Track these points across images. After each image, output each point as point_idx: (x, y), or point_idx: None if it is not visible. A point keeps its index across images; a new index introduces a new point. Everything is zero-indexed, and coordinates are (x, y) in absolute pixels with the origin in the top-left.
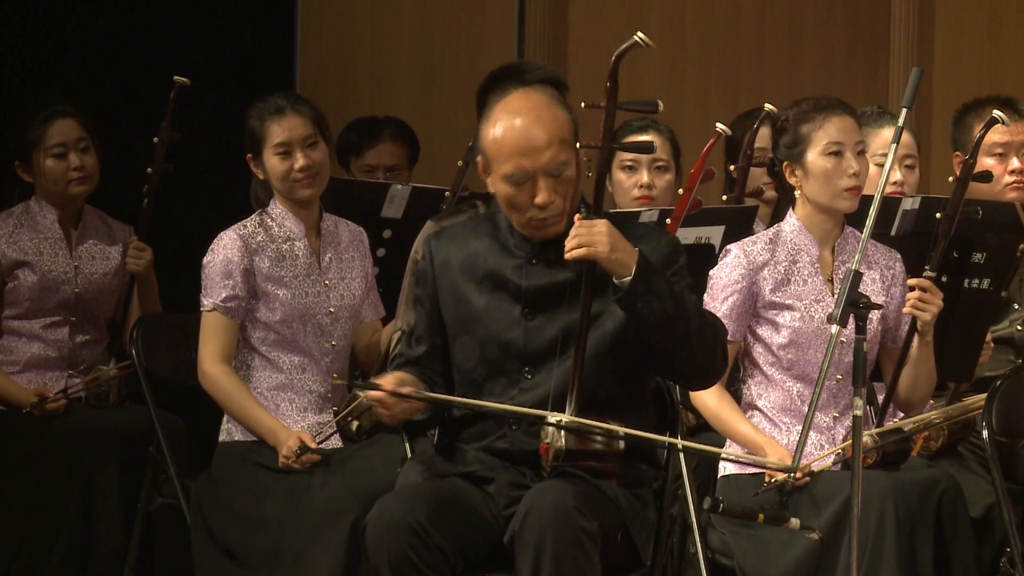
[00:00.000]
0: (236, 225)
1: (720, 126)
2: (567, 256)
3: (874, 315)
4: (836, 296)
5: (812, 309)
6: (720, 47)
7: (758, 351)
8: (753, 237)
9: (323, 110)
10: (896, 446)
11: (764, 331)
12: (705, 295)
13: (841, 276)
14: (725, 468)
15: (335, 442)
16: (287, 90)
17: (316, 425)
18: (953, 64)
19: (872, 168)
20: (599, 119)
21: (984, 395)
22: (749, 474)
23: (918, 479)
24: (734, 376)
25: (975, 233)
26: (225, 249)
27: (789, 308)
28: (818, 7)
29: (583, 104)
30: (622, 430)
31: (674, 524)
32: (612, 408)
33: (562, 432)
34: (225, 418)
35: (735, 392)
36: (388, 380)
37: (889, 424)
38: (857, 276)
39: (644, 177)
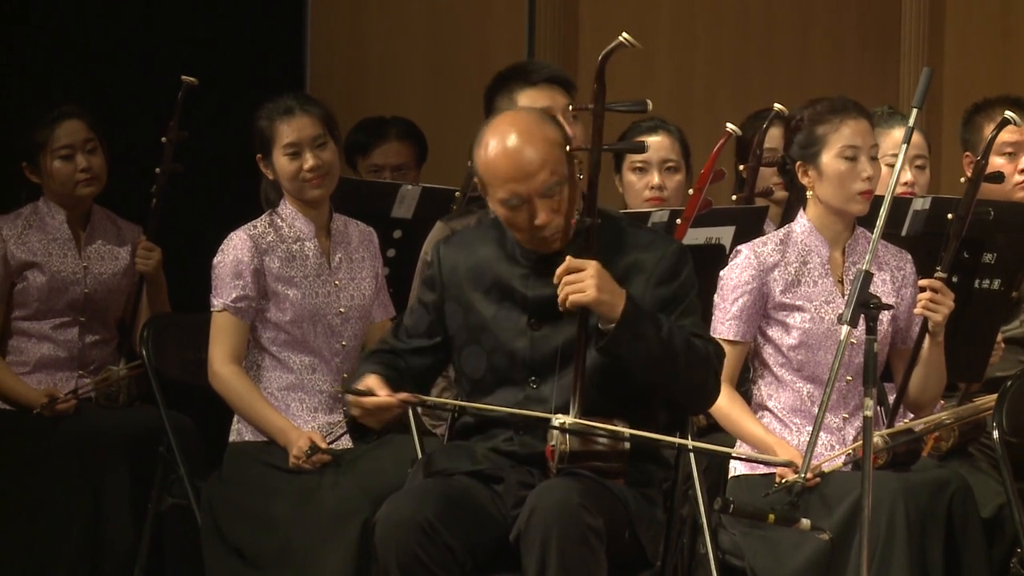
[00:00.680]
0: (246, 225)
1: (730, 126)
2: (561, 309)
3: (884, 316)
4: (846, 297)
5: (822, 310)
6: (730, 47)
7: (768, 352)
8: (763, 238)
9: (333, 110)
10: (907, 447)
11: (774, 332)
12: (715, 296)
13: (852, 277)
14: (735, 469)
15: (345, 442)
16: (296, 90)
17: (326, 425)
18: (964, 64)
19: (883, 168)
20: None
21: (995, 395)
22: (759, 475)
23: (929, 480)
24: (744, 377)
25: (985, 233)
26: (235, 249)
27: (799, 309)
28: (828, 7)
29: (571, 107)
30: (627, 431)
31: (684, 525)
32: (618, 409)
33: (566, 435)
34: (235, 418)
35: (745, 393)
36: (371, 382)
37: (900, 425)
38: (868, 277)
39: (655, 178)
